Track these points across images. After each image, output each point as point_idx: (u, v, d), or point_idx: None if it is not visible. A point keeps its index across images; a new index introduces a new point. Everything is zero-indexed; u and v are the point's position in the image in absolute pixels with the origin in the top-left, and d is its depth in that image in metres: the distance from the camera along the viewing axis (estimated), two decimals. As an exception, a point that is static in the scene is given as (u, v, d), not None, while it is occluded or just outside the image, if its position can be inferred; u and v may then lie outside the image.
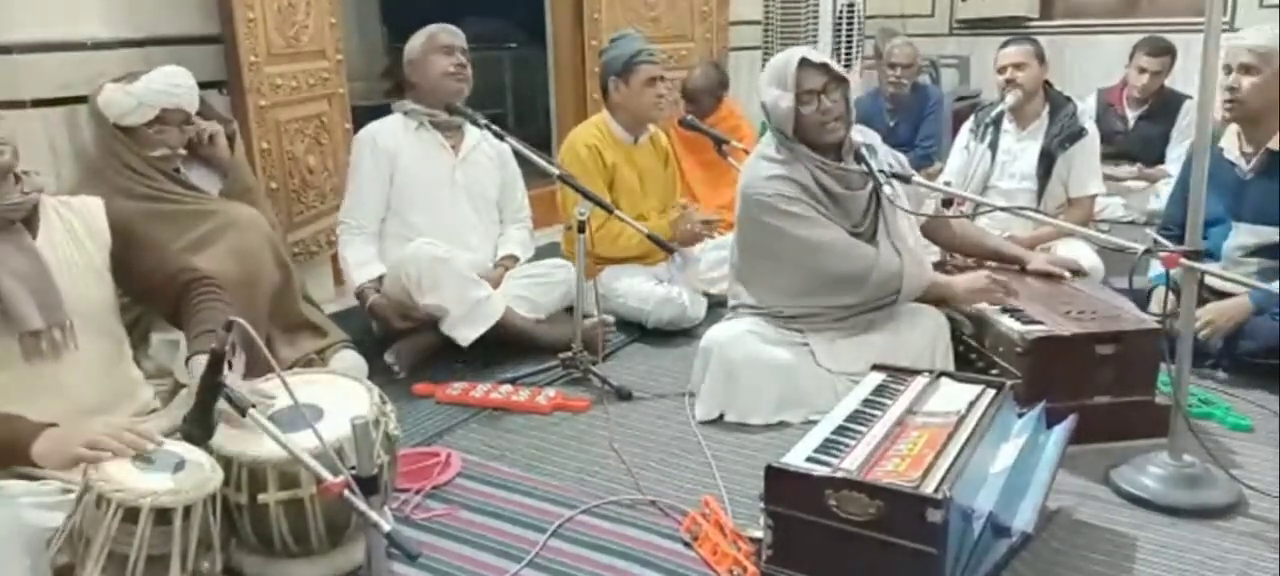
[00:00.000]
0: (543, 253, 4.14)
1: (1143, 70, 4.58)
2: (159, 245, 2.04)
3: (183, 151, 2.55)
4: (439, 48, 3.01)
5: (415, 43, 3.06)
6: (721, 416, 2.55)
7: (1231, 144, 2.83)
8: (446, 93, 3.01)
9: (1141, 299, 2.83)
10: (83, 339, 1.82)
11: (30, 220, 1.83)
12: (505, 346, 3.00)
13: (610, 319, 3.15)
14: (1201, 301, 2.52)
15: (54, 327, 1.77)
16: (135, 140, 2.45)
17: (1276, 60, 2.64)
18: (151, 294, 2.02)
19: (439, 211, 3.07)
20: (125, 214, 2.01)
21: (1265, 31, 2.69)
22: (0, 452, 1.64)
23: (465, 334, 2.90)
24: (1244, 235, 2.79)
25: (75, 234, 1.89)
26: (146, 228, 2.05)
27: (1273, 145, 2.72)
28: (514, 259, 3.24)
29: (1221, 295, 2.73)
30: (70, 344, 1.80)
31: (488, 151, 3.18)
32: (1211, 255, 2.80)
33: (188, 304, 1.93)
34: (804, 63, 2.50)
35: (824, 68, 2.51)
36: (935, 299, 2.60)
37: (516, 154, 3.04)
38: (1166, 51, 4.56)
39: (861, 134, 2.68)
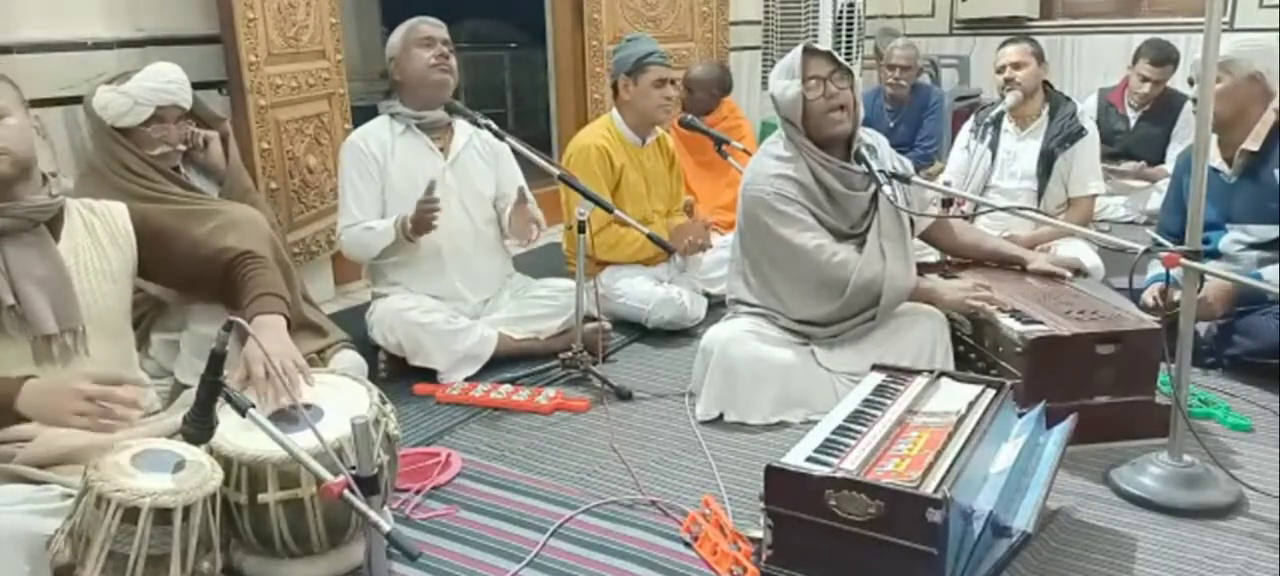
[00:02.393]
0: (544, 253, 4.14)
1: (1145, 78, 4.59)
2: (187, 232, 2.05)
3: (182, 147, 2.56)
4: (420, 40, 2.86)
5: (395, 38, 2.91)
6: (721, 416, 2.55)
7: (1214, 151, 2.85)
8: (431, 87, 2.86)
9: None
10: (93, 344, 1.83)
11: (54, 223, 1.83)
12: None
13: (608, 325, 3.14)
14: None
15: (66, 333, 1.78)
16: (134, 141, 2.45)
17: (1235, 68, 2.69)
18: (195, 280, 2.04)
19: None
20: (147, 213, 2.02)
21: (1226, 41, 2.74)
22: None
23: (458, 379, 2.86)
24: (1238, 234, 2.83)
25: (97, 238, 1.89)
26: (168, 220, 2.06)
27: (1247, 146, 2.76)
28: (522, 193, 2.94)
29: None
30: (81, 349, 1.81)
31: (479, 148, 3.04)
32: (1213, 256, 2.82)
33: (236, 277, 1.95)
34: (809, 50, 2.56)
35: (829, 56, 2.57)
36: (923, 303, 2.60)
37: (517, 154, 2.98)
38: (1169, 61, 4.57)
39: (867, 135, 2.69)
